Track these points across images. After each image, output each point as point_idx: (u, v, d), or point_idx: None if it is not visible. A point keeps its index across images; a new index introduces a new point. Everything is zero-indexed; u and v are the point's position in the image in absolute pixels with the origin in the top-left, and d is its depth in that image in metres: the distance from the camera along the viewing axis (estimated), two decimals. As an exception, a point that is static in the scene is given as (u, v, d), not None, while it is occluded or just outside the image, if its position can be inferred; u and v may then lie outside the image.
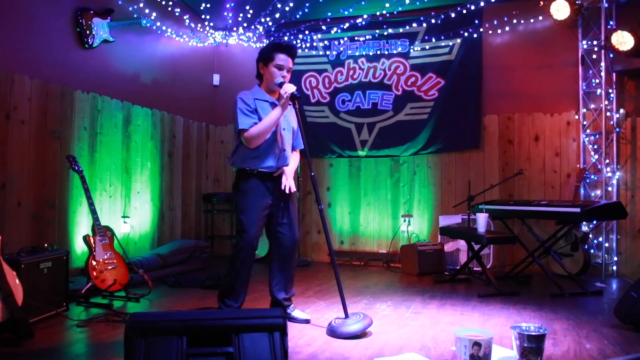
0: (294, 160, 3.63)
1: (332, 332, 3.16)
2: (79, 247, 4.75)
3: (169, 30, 6.08)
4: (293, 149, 3.64)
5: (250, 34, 6.69)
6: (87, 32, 4.92)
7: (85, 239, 4.03)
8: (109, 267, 4.00)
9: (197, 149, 6.84)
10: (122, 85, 5.46)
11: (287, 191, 3.46)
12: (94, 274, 3.90)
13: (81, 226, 4.83)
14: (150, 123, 5.89)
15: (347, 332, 3.11)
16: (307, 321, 3.49)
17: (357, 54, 6.59)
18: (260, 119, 3.32)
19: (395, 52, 6.42)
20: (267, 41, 6.68)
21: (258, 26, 6.56)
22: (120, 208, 5.41)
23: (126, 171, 5.50)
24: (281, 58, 3.39)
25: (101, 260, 3.98)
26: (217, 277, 4.81)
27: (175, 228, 6.32)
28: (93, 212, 4.07)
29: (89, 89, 4.99)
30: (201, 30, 6.59)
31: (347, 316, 3.24)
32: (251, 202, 3.39)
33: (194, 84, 6.77)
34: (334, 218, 6.64)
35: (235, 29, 6.67)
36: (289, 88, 3.27)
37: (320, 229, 6.66)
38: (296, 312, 3.59)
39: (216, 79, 7.15)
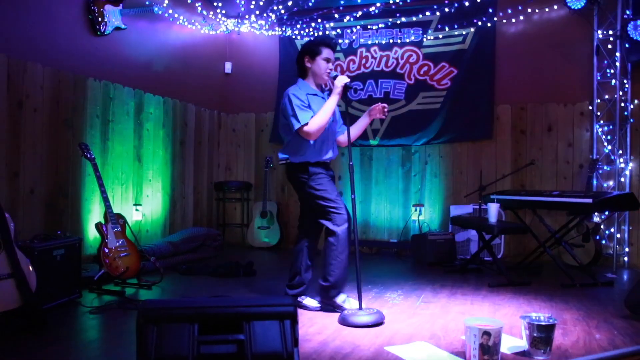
0: (356, 128, 3.71)
1: (343, 320, 3.19)
2: (92, 234, 4.79)
3: (181, 17, 6.08)
4: (337, 134, 3.74)
5: (263, 22, 6.67)
6: (99, 19, 4.93)
7: (98, 226, 4.07)
8: (121, 255, 4.04)
9: (209, 137, 6.86)
10: (134, 73, 5.47)
11: (384, 110, 3.58)
12: (107, 261, 3.94)
13: (94, 214, 4.87)
14: (162, 111, 5.91)
15: (358, 323, 3.13)
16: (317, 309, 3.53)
17: (369, 42, 6.55)
18: (314, 112, 3.39)
19: (408, 40, 6.38)
20: (280, 29, 6.67)
21: (270, 14, 6.54)
22: (132, 196, 5.45)
23: (138, 159, 5.53)
24: (328, 51, 3.51)
25: (113, 247, 4.02)
26: (228, 265, 4.85)
27: (187, 216, 6.36)
28: (105, 199, 4.11)
29: (101, 76, 5.02)
30: (213, 17, 6.58)
31: (360, 308, 3.25)
32: (325, 185, 3.47)
33: (206, 72, 6.77)
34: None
35: (247, 16, 6.65)
36: (344, 79, 3.37)
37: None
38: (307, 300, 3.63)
39: (228, 66, 7.14)
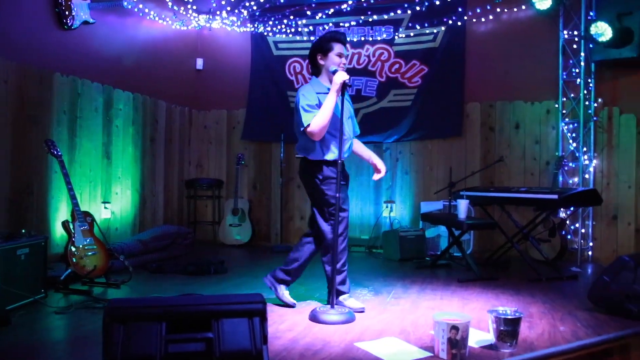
0: (364, 147, 3.78)
1: (314, 317, 3.19)
2: (59, 233, 4.69)
3: (152, 12, 5.98)
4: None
5: (234, 18, 6.61)
6: (67, 12, 4.82)
7: (64, 224, 3.98)
8: (89, 253, 3.96)
9: (180, 134, 6.78)
10: (103, 68, 5.37)
11: (381, 174, 3.64)
12: (73, 260, 3.86)
13: (61, 212, 4.77)
14: (132, 107, 5.82)
15: (328, 321, 3.13)
16: (361, 310, 3.44)
17: (341, 39, 6.54)
18: None
19: (379, 38, 6.40)
20: (252, 25, 6.63)
21: (242, 10, 6.49)
22: (101, 194, 5.35)
23: (107, 156, 5.43)
24: (340, 46, 3.48)
25: (81, 246, 3.94)
26: (199, 263, 4.80)
27: (157, 214, 6.28)
28: (72, 197, 4.02)
29: (69, 71, 4.91)
30: (184, 13, 6.49)
31: (332, 307, 3.24)
32: (334, 186, 3.40)
33: (176, 68, 6.68)
34: (316, 204, 6.63)
35: (218, 12, 6.58)
36: (342, 76, 3.30)
37: (304, 215, 6.66)
38: (350, 302, 3.52)
39: (199, 63, 7.06)
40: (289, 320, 3.19)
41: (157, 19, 6.11)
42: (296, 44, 6.70)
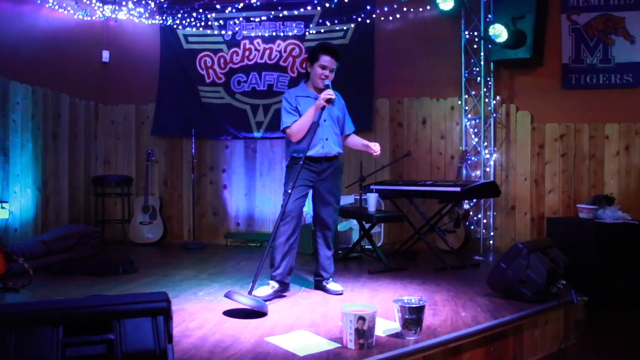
0: (358, 139, 4.05)
1: (228, 294, 3.18)
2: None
3: (51, 0, 5.64)
4: (343, 133, 3.96)
5: (142, 10, 6.37)
6: (-47, 0, 4.44)
7: (-46, 226, 3.68)
8: (-17, 256, 3.68)
9: (85, 129, 6.45)
10: (-3, 59, 5.01)
11: (377, 151, 3.83)
12: (-35, 263, 3.58)
13: (-50, 212, 4.41)
14: (31, 101, 5.47)
15: (238, 301, 3.12)
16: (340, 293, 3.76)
17: (252, 34, 6.49)
18: (300, 114, 3.66)
19: (291, 34, 6.41)
20: (161, 18, 6.43)
21: (150, 2, 6.26)
22: (-3, 192, 5.00)
23: (3, 153, 5.08)
24: (325, 59, 3.66)
25: (-27, 248, 3.65)
26: (107, 263, 4.60)
27: (62, 213, 5.94)
28: (-38, 196, 3.72)
29: (-43, 62, 4.53)
30: (87, 2, 6.17)
31: (250, 292, 3.29)
32: (292, 176, 3.58)
33: (81, 61, 6.35)
34: (229, 200, 6.56)
35: (124, 3, 6.31)
36: (328, 94, 3.52)
37: (217, 211, 6.57)
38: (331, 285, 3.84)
39: (106, 55, 6.74)
40: (200, 318, 3.13)
41: (57, 7, 5.76)
42: (207, 37, 6.56)
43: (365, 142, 3.96)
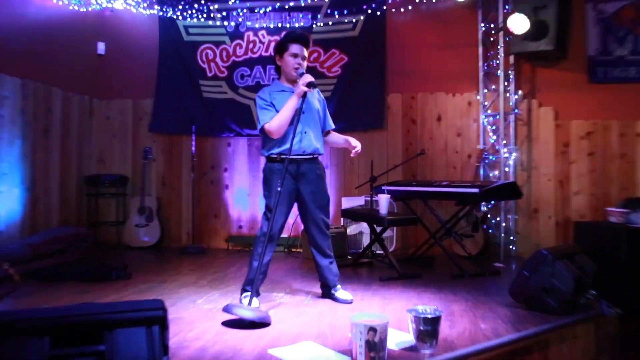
0: (338, 136, 4.02)
1: (227, 309, 3.14)
2: None
3: (42, -10, 5.63)
4: (323, 131, 3.90)
5: (139, -1, 6.35)
6: (-61, -13, 4.42)
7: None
8: (-33, 260, 3.65)
9: (79, 125, 6.42)
10: (-15, 51, 4.98)
11: (357, 147, 3.84)
12: (-52, 267, 3.55)
13: None
14: (21, 95, 5.44)
15: (238, 314, 3.08)
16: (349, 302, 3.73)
17: (257, 26, 6.45)
18: (277, 110, 3.59)
19: (297, 25, 6.36)
20: (160, 8, 6.41)
21: (147, -9, 6.24)
22: (-16, 192, 4.97)
23: (-9, 150, 5.05)
24: (295, 47, 3.66)
25: (-43, 251, 3.62)
26: (99, 269, 4.56)
27: (52, 214, 5.91)
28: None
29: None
30: (81, -8, 6.15)
31: (249, 304, 3.25)
32: (273, 186, 3.58)
33: (75, 53, 6.32)
34: (231, 201, 6.52)
35: (121, -8, 6.30)
36: (307, 78, 3.52)
37: (217, 213, 6.53)
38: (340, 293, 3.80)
39: (101, 47, 6.72)
40: (198, 328, 3.08)
41: (49, -4, 5.75)
42: (208, 29, 6.53)
43: (346, 137, 3.94)
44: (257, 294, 3.64)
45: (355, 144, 3.84)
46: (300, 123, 3.57)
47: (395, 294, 3.98)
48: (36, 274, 4.56)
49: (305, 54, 3.70)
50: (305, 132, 3.66)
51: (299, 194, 3.69)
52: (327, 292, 3.85)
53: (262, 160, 3.99)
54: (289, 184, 3.62)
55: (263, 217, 3.67)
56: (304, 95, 3.52)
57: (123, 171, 6.70)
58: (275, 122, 3.54)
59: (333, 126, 3.99)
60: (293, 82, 3.71)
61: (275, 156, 3.64)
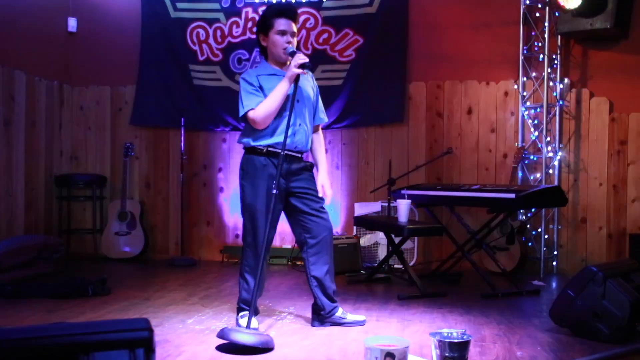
0: (321, 149, 3.94)
1: (222, 334, 3.17)
2: None
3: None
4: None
5: (119, -31, 6.43)
6: None
7: None
8: None
9: (47, 116, 6.51)
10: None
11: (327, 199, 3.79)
12: None
13: None
14: (-22, 81, 5.54)
15: (236, 340, 3.10)
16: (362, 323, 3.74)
17: (257, 0, 6.50)
18: (266, 96, 3.55)
19: (304, 1, 6.40)
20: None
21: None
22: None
23: (-53, 144, 5.14)
24: (282, 23, 3.59)
25: None
26: (73, 283, 4.62)
27: (16, 220, 5.99)
28: None
29: None
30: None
31: (248, 326, 3.26)
32: (259, 185, 3.57)
33: (41, 30, 6.40)
34: (227, 206, 6.57)
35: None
36: (299, 58, 3.46)
37: (210, 220, 6.58)
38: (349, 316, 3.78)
39: (72, 23, 6.78)
40: (188, 352, 3.14)
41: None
42: (200, 4, 6.58)
43: (324, 168, 3.89)
44: (256, 312, 3.68)
45: (325, 190, 3.78)
46: (294, 113, 3.53)
47: (416, 315, 4.01)
48: (-1, 289, 4.64)
49: (294, 28, 3.65)
50: (300, 125, 3.64)
51: (286, 191, 3.63)
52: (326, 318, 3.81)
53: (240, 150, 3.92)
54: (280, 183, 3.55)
55: (248, 224, 3.62)
56: (297, 79, 3.49)
57: (100, 170, 6.77)
58: (261, 109, 3.50)
59: (325, 120, 3.98)
60: (283, 64, 3.67)
61: (262, 148, 3.58)
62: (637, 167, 5.68)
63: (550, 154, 5.81)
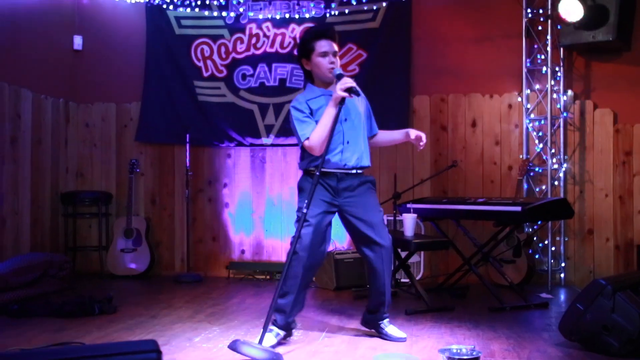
0: (389, 132, 4.12)
1: (233, 346, 3.18)
2: None
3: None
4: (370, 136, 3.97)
5: (123, -13, 6.46)
6: None
7: None
8: None
9: (53, 133, 6.52)
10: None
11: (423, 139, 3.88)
12: None
13: None
14: (-16, 99, 5.56)
15: (246, 354, 3.10)
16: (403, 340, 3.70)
17: (261, 16, 6.52)
18: (316, 117, 3.61)
19: (308, 16, 6.42)
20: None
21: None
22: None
23: (-48, 163, 5.15)
24: (323, 45, 3.63)
25: None
26: (80, 301, 4.60)
27: (22, 238, 5.98)
28: None
29: None
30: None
31: (260, 342, 3.26)
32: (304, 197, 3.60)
33: (47, 48, 6.43)
34: (232, 222, 6.56)
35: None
36: (346, 83, 3.44)
37: (216, 236, 6.56)
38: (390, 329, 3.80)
39: (78, 41, 6.81)
40: (195, 372, 3.12)
41: (19, -16, 5.87)
42: (204, 20, 6.60)
43: (403, 131, 3.96)
44: (290, 332, 3.72)
45: (418, 134, 3.84)
46: (341, 133, 3.61)
47: (424, 330, 3.99)
48: (3, 309, 4.60)
49: (336, 48, 3.67)
50: (348, 143, 3.68)
51: (343, 208, 3.69)
52: (372, 323, 3.88)
53: (298, 173, 4.03)
54: (328, 202, 3.64)
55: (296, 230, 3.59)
56: (342, 102, 3.48)
57: (105, 187, 6.77)
58: (315, 137, 3.52)
59: (377, 131, 4.04)
60: (329, 84, 3.70)
61: (312, 169, 3.63)
62: (643, 178, 5.67)
63: (556, 166, 5.79)
